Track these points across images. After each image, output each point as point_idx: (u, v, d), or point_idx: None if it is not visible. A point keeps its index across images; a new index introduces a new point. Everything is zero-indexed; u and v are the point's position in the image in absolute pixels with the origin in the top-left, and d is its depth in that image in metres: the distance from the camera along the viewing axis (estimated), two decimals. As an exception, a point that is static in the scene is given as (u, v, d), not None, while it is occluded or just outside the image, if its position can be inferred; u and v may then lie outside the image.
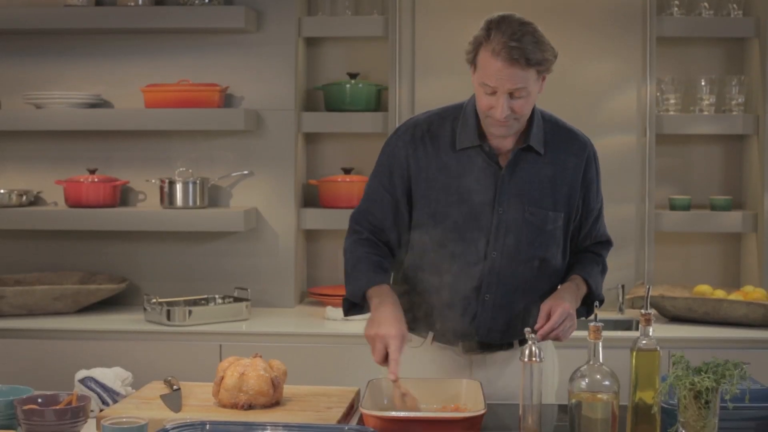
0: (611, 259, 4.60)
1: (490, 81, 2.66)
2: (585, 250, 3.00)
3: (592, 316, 2.54)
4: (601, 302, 2.93)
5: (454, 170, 2.82)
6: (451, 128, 2.85)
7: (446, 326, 2.89)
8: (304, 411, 2.64)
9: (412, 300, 2.91)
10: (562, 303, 2.74)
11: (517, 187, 2.81)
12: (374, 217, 2.89)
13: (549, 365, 2.98)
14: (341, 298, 2.93)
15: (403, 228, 2.89)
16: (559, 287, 2.90)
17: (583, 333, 2.53)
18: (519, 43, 2.63)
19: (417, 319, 2.91)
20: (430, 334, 2.92)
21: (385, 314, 2.70)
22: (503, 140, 2.81)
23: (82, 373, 2.82)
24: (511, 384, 2.86)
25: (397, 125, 4.58)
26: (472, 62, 2.72)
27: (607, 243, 3.05)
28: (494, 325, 2.87)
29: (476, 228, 2.81)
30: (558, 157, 2.86)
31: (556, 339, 2.73)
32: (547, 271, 2.87)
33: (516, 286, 2.85)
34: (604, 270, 3.02)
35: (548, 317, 2.72)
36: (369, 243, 2.89)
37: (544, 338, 2.69)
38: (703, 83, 4.65)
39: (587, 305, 2.95)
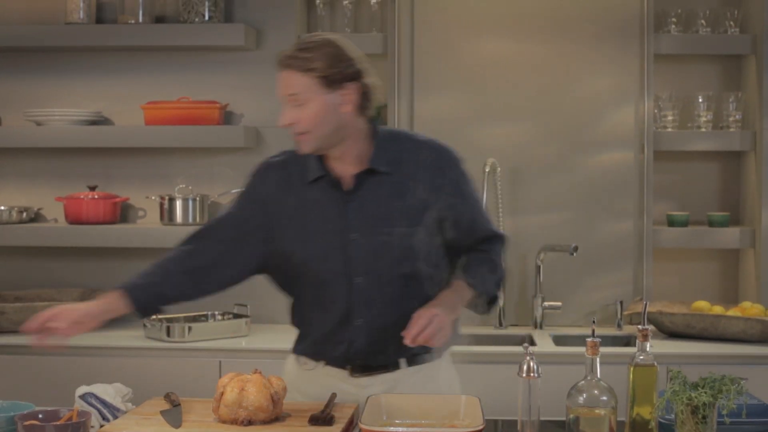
0: (609, 274, 4.68)
1: (277, 90, 2.78)
2: (473, 249, 2.96)
3: (589, 331, 2.55)
4: (495, 299, 2.95)
5: (307, 205, 2.87)
6: (301, 165, 2.90)
7: (329, 355, 2.95)
8: (304, 427, 2.65)
9: (303, 329, 3.03)
10: (429, 310, 2.73)
11: (367, 211, 2.83)
12: (215, 231, 2.97)
13: (445, 385, 3.01)
14: None
15: (235, 265, 2.95)
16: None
17: (581, 349, 2.55)
18: (298, 51, 2.73)
19: (308, 349, 3.01)
20: (322, 361, 2.99)
21: (79, 304, 2.86)
22: (348, 165, 2.84)
23: (82, 389, 2.83)
24: None
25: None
26: None
27: (494, 238, 2.99)
28: (372, 348, 2.89)
29: (336, 258, 2.84)
30: (407, 172, 2.85)
31: (427, 344, 2.70)
32: (416, 286, 2.85)
33: (386, 307, 2.86)
34: (494, 266, 2.96)
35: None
36: (184, 252, 2.97)
37: (414, 343, 2.68)
38: (700, 100, 4.67)
39: (485, 302, 2.93)
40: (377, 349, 2.90)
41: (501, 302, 4.59)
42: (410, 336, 2.67)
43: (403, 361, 2.93)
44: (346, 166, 2.85)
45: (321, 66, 2.73)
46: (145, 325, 4.35)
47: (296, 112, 2.75)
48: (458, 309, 2.86)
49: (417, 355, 2.91)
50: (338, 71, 2.75)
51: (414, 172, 2.85)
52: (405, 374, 2.93)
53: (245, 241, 2.93)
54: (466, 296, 2.88)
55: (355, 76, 2.78)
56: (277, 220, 2.90)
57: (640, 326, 2.54)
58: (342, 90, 2.76)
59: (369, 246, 2.82)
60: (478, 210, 2.98)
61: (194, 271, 2.96)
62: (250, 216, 2.94)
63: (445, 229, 2.87)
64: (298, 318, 3.05)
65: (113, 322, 4.62)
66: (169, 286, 2.97)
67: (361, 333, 2.88)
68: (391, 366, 2.93)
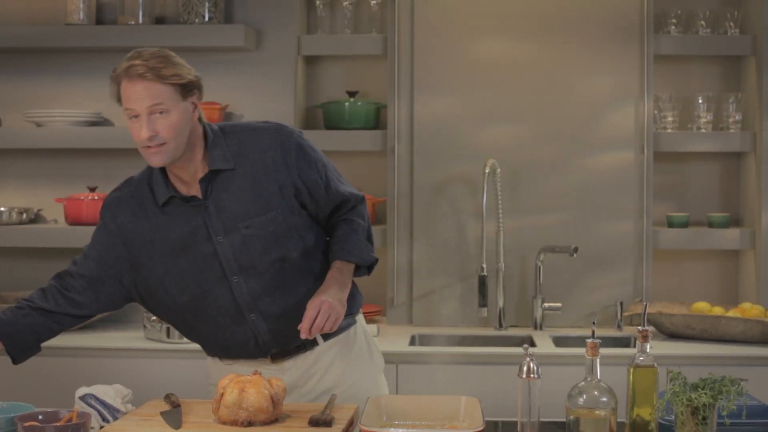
0: (609, 275, 4.68)
1: (130, 104, 2.73)
2: (336, 221, 3.03)
3: (589, 333, 2.55)
4: (375, 262, 3.02)
5: (165, 225, 2.89)
6: (149, 189, 2.92)
7: (242, 353, 2.99)
8: (303, 428, 2.65)
9: (203, 341, 3.06)
10: (316, 298, 2.82)
11: (223, 211, 2.86)
12: (80, 273, 3.02)
13: (364, 342, 3.13)
14: None
15: (111, 288, 2.97)
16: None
17: (581, 350, 2.55)
18: (147, 62, 2.72)
19: (219, 353, 3.06)
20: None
21: None
22: (193, 174, 2.86)
23: (82, 390, 2.83)
24: (323, 380, 3.01)
25: (396, 143, 4.62)
26: (119, 99, 2.79)
27: (347, 202, 3.03)
28: (279, 335, 2.95)
29: (208, 266, 2.88)
30: (251, 160, 2.88)
31: (324, 331, 2.80)
32: (296, 264, 2.92)
33: (272, 295, 2.91)
34: (363, 231, 3.02)
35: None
36: (44, 294, 3.05)
37: (311, 335, 2.78)
38: (700, 101, 4.67)
39: (366, 270, 3.01)
40: (285, 335, 2.94)
41: (501, 303, 4.59)
42: (305, 330, 2.77)
43: (319, 338, 2.98)
44: (190, 175, 2.86)
45: (178, 73, 2.75)
46: (145, 327, 4.35)
47: (161, 124, 2.73)
48: (346, 286, 2.94)
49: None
50: (189, 79, 2.78)
51: (259, 159, 2.89)
52: (323, 348, 3.01)
53: (108, 275, 2.96)
54: (349, 272, 2.96)
55: (197, 83, 2.82)
56: (137, 248, 2.92)
57: (640, 327, 2.54)
58: (191, 97, 2.80)
59: (235, 244, 2.86)
60: (330, 175, 3.00)
61: (53, 311, 3.03)
62: (109, 250, 2.95)
63: (304, 203, 2.93)
64: (193, 335, 3.06)
65: (113, 324, 4.65)
66: (39, 326, 3.02)
67: (261, 325, 2.93)
68: (309, 344, 2.99)
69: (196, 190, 2.88)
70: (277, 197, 2.88)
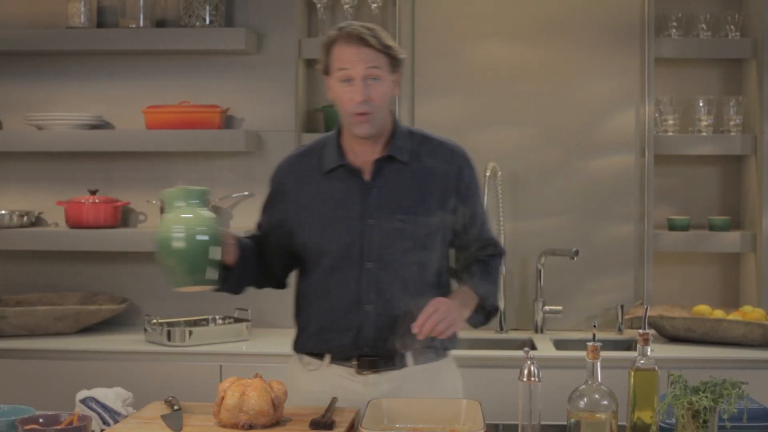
0: (609, 278, 4.68)
1: (345, 64, 2.81)
2: (474, 258, 3.06)
3: (590, 336, 2.55)
4: (496, 310, 3.03)
5: (324, 194, 2.95)
6: (318, 156, 2.99)
7: (336, 343, 2.96)
8: (305, 431, 2.65)
9: (306, 321, 3.06)
10: (437, 299, 2.80)
11: (385, 197, 2.91)
12: (257, 237, 3.07)
13: (450, 386, 3.05)
14: None
15: (284, 255, 3.04)
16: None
17: (582, 353, 2.55)
18: (369, 30, 2.83)
19: (312, 340, 3.03)
20: (327, 357, 3.00)
21: None
22: (369, 154, 2.92)
23: (83, 393, 2.83)
24: None
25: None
26: (327, 69, 2.89)
27: (494, 246, 3.09)
28: (380, 335, 2.92)
29: (350, 242, 2.90)
30: (425, 165, 2.95)
31: (436, 333, 2.75)
32: (426, 276, 2.93)
33: (395, 294, 2.90)
34: (494, 278, 3.07)
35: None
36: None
37: (422, 333, 2.73)
38: (701, 104, 4.67)
39: (484, 314, 3.01)
40: (385, 337, 2.91)
41: (502, 306, 4.59)
42: (419, 324, 2.73)
43: (409, 359, 2.95)
44: (368, 152, 2.92)
45: (394, 46, 2.86)
46: (145, 330, 4.35)
47: (374, 89, 2.82)
48: (467, 308, 2.93)
49: (423, 353, 2.93)
50: (400, 57, 2.88)
51: (433, 167, 2.95)
52: (411, 372, 2.96)
53: (280, 242, 3.03)
54: (472, 303, 2.95)
55: (402, 63, 2.91)
56: (295, 211, 2.97)
57: (640, 330, 2.54)
58: (396, 74, 2.89)
59: (384, 231, 2.89)
60: (485, 214, 3.08)
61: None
62: (277, 217, 3.02)
63: (456, 228, 2.96)
64: (304, 307, 3.07)
65: (114, 327, 4.65)
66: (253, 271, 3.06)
67: (370, 319, 2.91)
68: (398, 363, 2.95)
69: (366, 171, 2.93)
70: (437, 207, 2.93)
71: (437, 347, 2.96)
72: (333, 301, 2.95)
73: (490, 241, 3.07)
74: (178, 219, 2.75)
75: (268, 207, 3.08)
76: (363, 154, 2.93)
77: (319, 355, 3.02)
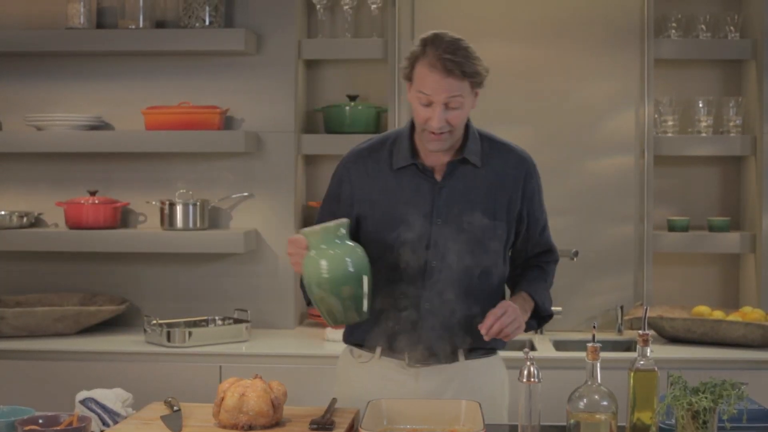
0: (609, 279, 4.68)
1: (427, 90, 2.79)
2: (530, 264, 3.11)
3: (590, 337, 2.55)
4: (550, 317, 3.07)
5: (393, 190, 2.95)
6: (389, 152, 2.98)
7: (392, 336, 2.95)
8: (304, 432, 2.66)
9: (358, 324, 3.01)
10: (503, 302, 2.86)
11: (454, 199, 2.92)
12: None
13: (498, 383, 3.06)
14: None
15: None
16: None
17: (582, 354, 2.55)
18: (453, 56, 2.77)
19: (365, 332, 3.00)
20: (378, 349, 2.99)
21: None
22: (438, 156, 2.93)
23: (82, 394, 2.83)
24: (459, 394, 2.92)
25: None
26: (409, 77, 2.87)
27: (551, 253, 3.15)
28: (435, 334, 2.93)
29: (416, 241, 2.90)
30: (495, 169, 2.97)
31: (502, 335, 2.79)
32: (487, 279, 2.96)
33: (456, 295, 2.91)
34: (549, 285, 3.13)
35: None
36: None
37: (489, 334, 2.76)
38: (700, 105, 4.67)
39: (537, 320, 3.05)
40: (439, 336, 2.93)
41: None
42: (486, 325, 2.77)
43: (461, 354, 2.97)
44: (439, 156, 2.93)
45: (477, 71, 2.83)
46: (145, 330, 4.35)
47: (453, 115, 2.82)
48: (526, 313, 2.98)
49: (474, 350, 2.97)
50: (483, 76, 2.86)
51: (502, 172, 2.97)
52: (461, 367, 2.98)
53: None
54: (530, 309, 3.00)
55: (486, 76, 2.89)
56: (361, 206, 2.97)
57: (640, 331, 2.54)
58: (477, 88, 2.89)
59: (450, 231, 2.90)
60: (547, 222, 3.12)
61: None
62: (342, 210, 2.99)
63: (519, 233, 3.01)
64: None
65: (114, 327, 4.65)
66: None
67: (428, 316, 2.92)
68: (449, 358, 2.97)
69: (438, 170, 2.94)
70: (503, 213, 2.95)
71: (487, 345, 2.97)
72: (392, 296, 2.93)
73: (550, 247, 3.13)
74: (338, 257, 2.70)
75: (331, 200, 3.05)
76: (436, 155, 2.93)
77: (371, 348, 3.02)
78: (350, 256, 2.71)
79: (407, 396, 2.89)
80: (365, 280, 2.70)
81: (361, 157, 3.01)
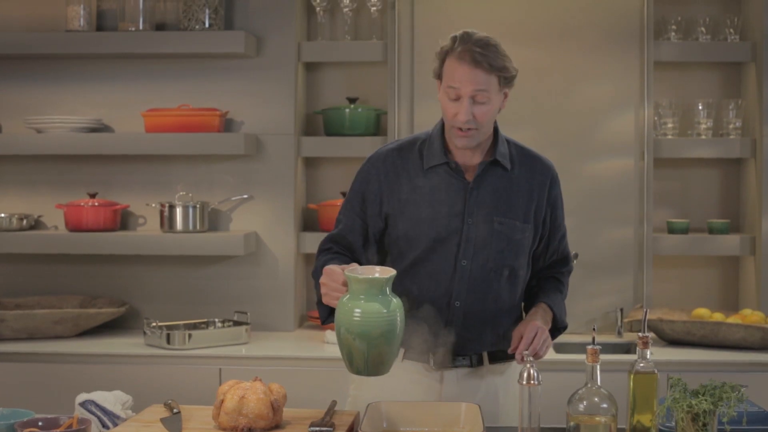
0: (609, 282, 4.68)
1: (455, 83, 2.80)
2: (546, 274, 3.11)
3: (590, 339, 2.55)
4: (565, 328, 3.07)
5: (424, 189, 2.94)
6: (419, 151, 2.98)
7: (419, 336, 2.93)
8: (304, 434, 2.66)
9: None
10: (530, 322, 2.88)
11: (486, 199, 2.93)
12: (346, 240, 2.99)
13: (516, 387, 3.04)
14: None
15: (372, 251, 3.01)
16: (527, 314, 3.02)
17: (582, 356, 2.55)
18: (482, 50, 2.80)
19: None
20: (401, 351, 2.96)
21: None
22: (469, 157, 2.94)
23: (82, 397, 2.83)
24: (482, 403, 2.87)
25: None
26: (438, 74, 2.88)
27: (567, 262, 3.15)
28: (465, 333, 2.94)
29: (447, 239, 2.91)
30: (523, 174, 3.00)
31: (536, 356, 2.80)
32: (514, 280, 2.98)
33: (485, 294, 2.93)
34: (564, 296, 3.13)
35: (521, 339, 2.83)
36: (338, 253, 2.97)
37: (522, 357, 2.72)
38: (700, 107, 4.67)
39: (552, 331, 3.03)
40: (468, 335, 2.94)
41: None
42: (520, 351, 2.79)
43: (485, 357, 2.99)
44: (471, 156, 2.94)
45: (506, 66, 2.85)
46: (145, 333, 4.35)
47: (480, 110, 2.82)
48: (548, 325, 2.99)
49: (496, 353, 2.98)
50: (512, 74, 2.88)
51: (530, 177, 3.00)
52: (486, 371, 2.99)
53: (373, 240, 3.00)
54: (549, 321, 3.01)
55: (515, 76, 2.91)
56: (390, 205, 2.96)
57: (640, 333, 2.54)
58: (507, 88, 2.90)
59: (481, 231, 2.91)
60: (566, 230, 3.13)
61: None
62: (371, 219, 2.98)
63: (541, 239, 3.03)
64: None
65: (113, 330, 4.65)
66: None
67: (458, 315, 2.93)
68: (475, 361, 2.98)
69: (470, 171, 2.95)
70: (529, 216, 2.97)
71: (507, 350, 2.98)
72: (422, 295, 2.93)
73: (566, 255, 3.13)
74: (376, 313, 2.55)
75: (354, 199, 3.01)
76: (466, 155, 2.95)
77: None
78: (390, 315, 2.56)
79: (430, 398, 2.90)
80: (397, 341, 2.59)
81: (389, 157, 3.00)
